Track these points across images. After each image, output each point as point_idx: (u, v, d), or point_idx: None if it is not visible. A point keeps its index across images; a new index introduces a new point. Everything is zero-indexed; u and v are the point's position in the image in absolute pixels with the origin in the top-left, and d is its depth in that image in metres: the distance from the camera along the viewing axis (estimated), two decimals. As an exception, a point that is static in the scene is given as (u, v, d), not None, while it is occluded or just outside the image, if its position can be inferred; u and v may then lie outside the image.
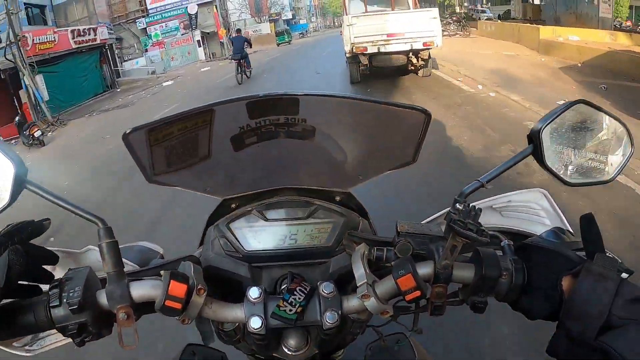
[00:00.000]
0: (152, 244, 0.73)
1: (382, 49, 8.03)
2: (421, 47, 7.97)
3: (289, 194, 0.61)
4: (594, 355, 0.43)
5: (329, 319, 0.51)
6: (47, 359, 0.67)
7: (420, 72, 8.77)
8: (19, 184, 0.49)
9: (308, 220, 0.60)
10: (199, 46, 28.02)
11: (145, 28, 27.48)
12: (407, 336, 0.73)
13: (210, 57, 28.17)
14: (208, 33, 28.03)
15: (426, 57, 8.36)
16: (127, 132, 0.46)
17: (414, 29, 7.88)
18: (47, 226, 0.52)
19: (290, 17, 51.68)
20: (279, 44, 31.93)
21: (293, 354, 0.57)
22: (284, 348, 0.57)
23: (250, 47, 12.41)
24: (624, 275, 0.45)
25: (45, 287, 0.50)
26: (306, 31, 48.04)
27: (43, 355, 0.62)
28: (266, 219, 0.59)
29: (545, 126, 0.53)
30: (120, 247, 0.50)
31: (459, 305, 0.54)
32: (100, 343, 0.52)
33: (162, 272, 0.49)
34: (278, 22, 42.99)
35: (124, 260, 0.50)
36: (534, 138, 0.54)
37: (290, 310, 0.51)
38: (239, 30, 11.85)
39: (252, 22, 39.14)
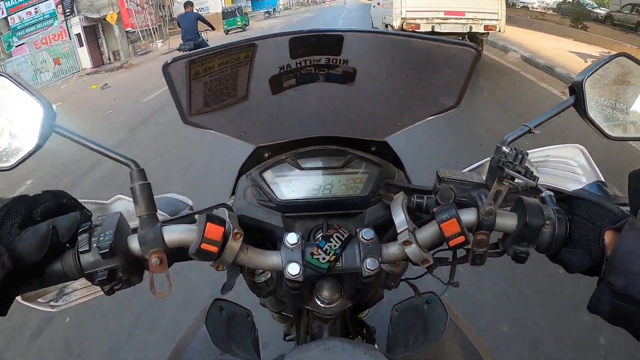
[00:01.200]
0: (182, 196, 0.73)
1: (437, 29, 6.86)
2: (482, 30, 6.86)
3: (324, 143, 0.60)
4: (638, 310, 0.42)
5: (369, 265, 0.50)
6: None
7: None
8: (48, 127, 0.48)
9: (343, 169, 0.59)
10: (80, 44, 16.16)
11: (7, 17, 15.82)
12: (436, 295, 0.72)
13: (108, 60, 17.49)
14: (103, 19, 15.75)
15: (481, 43, 7.06)
16: (168, 62, 0.44)
17: (477, 7, 6.73)
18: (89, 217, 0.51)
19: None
20: (227, 30, 22.93)
21: (326, 306, 0.57)
22: (316, 300, 0.57)
23: (212, 28, 8.98)
24: None
25: None
26: (274, 10, 37.81)
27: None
28: (300, 168, 0.59)
29: (587, 77, 0.52)
30: None
31: (499, 255, 0.53)
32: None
33: (196, 216, 0.48)
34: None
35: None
36: (576, 89, 0.52)
37: (324, 258, 0.50)
38: (188, 4, 8.08)
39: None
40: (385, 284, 0.59)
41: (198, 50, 0.44)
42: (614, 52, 0.56)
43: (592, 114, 0.53)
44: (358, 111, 0.58)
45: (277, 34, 0.45)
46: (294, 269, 0.49)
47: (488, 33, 7.15)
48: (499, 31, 7.04)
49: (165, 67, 0.44)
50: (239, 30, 23.09)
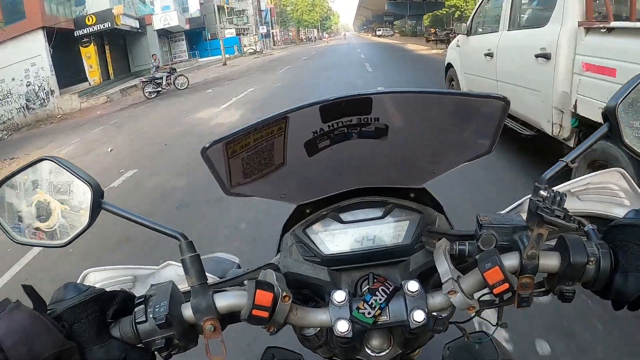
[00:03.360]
0: (229, 255, 0.75)
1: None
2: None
3: (363, 195, 0.61)
4: None
5: (416, 317, 0.50)
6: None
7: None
8: (97, 206, 0.51)
9: (384, 219, 0.60)
10: None
11: None
12: (488, 335, 0.70)
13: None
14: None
15: None
16: (206, 146, 0.46)
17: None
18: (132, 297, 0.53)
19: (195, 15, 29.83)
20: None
21: (376, 355, 0.56)
22: (366, 349, 0.57)
23: None
24: None
25: None
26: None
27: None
28: (342, 222, 0.60)
29: (620, 102, 0.51)
30: None
31: (545, 295, 0.52)
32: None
33: (246, 282, 0.50)
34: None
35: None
36: (609, 115, 0.51)
37: (369, 313, 0.51)
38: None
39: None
40: (434, 329, 0.58)
41: (233, 132, 0.46)
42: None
43: (628, 140, 0.51)
44: (394, 161, 0.59)
45: (307, 105, 0.47)
46: (342, 327, 0.50)
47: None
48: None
49: (204, 151, 0.46)
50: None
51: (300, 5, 61.17)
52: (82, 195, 0.52)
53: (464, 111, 0.50)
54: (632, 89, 0.51)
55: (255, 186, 0.54)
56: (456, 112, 0.50)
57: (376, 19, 79.29)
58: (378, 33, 64.53)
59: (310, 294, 0.61)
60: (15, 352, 0.41)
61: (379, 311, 0.51)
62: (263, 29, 41.45)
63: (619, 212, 0.59)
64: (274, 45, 53.77)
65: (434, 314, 0.54)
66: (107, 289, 0.52)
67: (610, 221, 0.52)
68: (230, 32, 35.88)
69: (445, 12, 44.21)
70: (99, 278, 0.63)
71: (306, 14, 59.41)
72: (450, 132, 0.53)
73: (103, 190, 0.53)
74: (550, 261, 0.48)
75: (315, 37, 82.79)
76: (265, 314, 0.48)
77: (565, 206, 0.46)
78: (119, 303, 0.50)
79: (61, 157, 0.53)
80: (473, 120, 0.51)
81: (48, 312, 0.47)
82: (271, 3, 53.28)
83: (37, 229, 0.55)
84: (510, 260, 0.48)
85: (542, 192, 0.46)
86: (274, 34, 55.96)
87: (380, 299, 0.51)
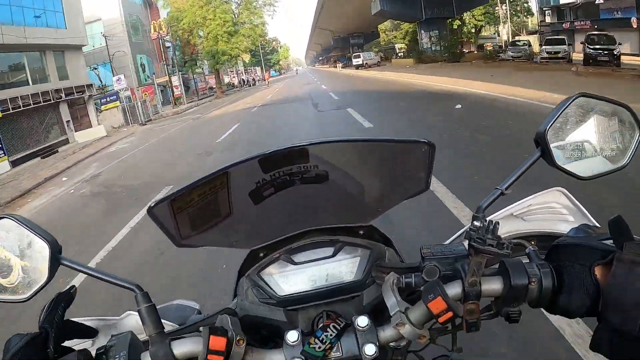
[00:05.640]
0: (189, 301, 0.77)
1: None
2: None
3: (314, 235, 0.63)
4: (638, 347, 0.42)
5: (368, 351, 0.52)
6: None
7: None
8: (55, 261, 0.53)
9: (335, 257, 0.61)
10: None
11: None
12: (451, 357, 0.73)
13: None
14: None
15: None
16: (152, 205, 0.48)
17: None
18: (74, 294, 0.56)
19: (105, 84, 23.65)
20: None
21: None
22: None
23: None
24: None
25: None
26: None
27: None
28: (295, 263, 0.61)
29: (549, 127, 0.54)
30: (157, 307, 0.53)
31: (493, 318, 0.54)
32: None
33: (201, 328, 0.51)
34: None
35: (162, 321, 0.53)
36: (540, 141, 0.54)
37: (320, 347, 0.52)
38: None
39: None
40: (393, 359, 0.59)
41: (175, 191, 0.49)
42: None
43: (560, 162, 0.54)
44: (339, 202, 0.62)
45: (245, 160, 0.50)
46: None
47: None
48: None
49: (150, 210, 0.48)
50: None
51: (211, 28, 33.10)
52: (40, 251, 0.53)
53: (395, 156, 0.54)
54: (559, 115, 0.55)
55: (205, 236, 0.57)
56: (387, 157, 0.54)
57: (340, 44, 59.97)
58: (356, 62, 41.38)
59: (269, 334, 0.62)
60: None
61: (329, 345, 0.52)
62: (121, 84, 21.84)
63: (564, 228, 0.62)
64: (175, 104, 30.62)
65: (392, 344, 0.55)
66: (68, 345, 0.53)
67: (556, 238, 0.54)
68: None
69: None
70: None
71: (224, 41, 33.32)
72: (385, 174, 0.56)
73: (60, 245, 0.54)
74: (493, 285, 0.51)
75: (251, 81, 55.97)
76: (220, 359, 0.49)
77: (509, 228, 0.49)
78: (63, 336, 0.51)
79: (18, 215, 0.55)
80: (406, 162, 0.54)
81: None
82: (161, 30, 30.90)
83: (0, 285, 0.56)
84: (454, 289, 0.50)
85: (475, 223, 0.49)
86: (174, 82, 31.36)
87: (331, 335, 0.53)
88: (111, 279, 0.54)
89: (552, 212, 0.63)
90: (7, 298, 0.56)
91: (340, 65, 52.58)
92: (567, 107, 0.55)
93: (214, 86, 39.09)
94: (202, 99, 35.80)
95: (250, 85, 51.59)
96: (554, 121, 0.54)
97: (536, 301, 0.50)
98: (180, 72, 34.29)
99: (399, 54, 47.15)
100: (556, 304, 0.50)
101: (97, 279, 0.53)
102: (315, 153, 0.51)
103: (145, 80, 30.33)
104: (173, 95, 31.88)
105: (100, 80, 26.45)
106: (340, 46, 58.44)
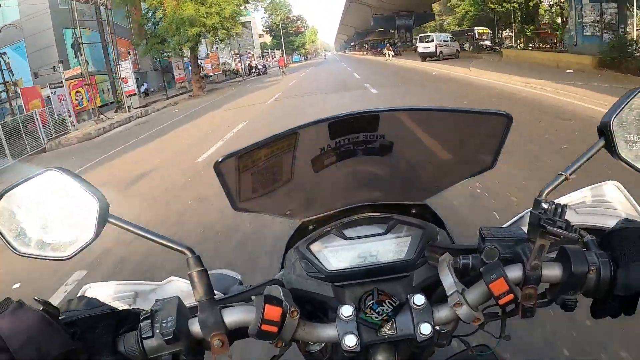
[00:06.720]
0: (231, 271, 0.75)
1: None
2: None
3: (366, 211, 0.61)
4: None
5: (423, 330, 0.51)
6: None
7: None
8: (103, 219, 0.51)
9: (387, 235, 0.60)
10: None
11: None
12: (489, 348, 0.71)
13: None
14: None
15: None
16: (219, 160, 0.46)
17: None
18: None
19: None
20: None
21: None
22: None
23: None
24: None
25: None
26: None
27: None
28: (345, 238, 0.60)
29: (614, 117, 0.53)
30: None
31: (548, 305, 0.53)
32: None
33: (253, 297, 0.50)
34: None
35: None
36: (605, 130, 0.54)
37: (377, 317, 0.52)
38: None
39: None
40: (438, 343, 0.58)
41: (245, 146, 0.47)
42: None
43: (623, 153, 0.54)
44: (397, 178, 0.60)
45: (317, 121, 0.48)
46: (351, 341, 0.50)
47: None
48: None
49: (217, 165, 0.46)
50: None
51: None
52: (88, 207, 0.51)
53: (469, 127, 0.51)
54: (625, 105, 0.54)
55: (262, 202, 0.55)
56: (461, 128, 0.52)
57: (382, 24, 46.97)
58: (424, 49, 25.10)
59: (313, 309, 0.61)
60: (22, 351, 0.41)
61: (386, 317, 0.52)
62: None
63: (614, 224, 0.61)
64: (118, 109, 17.59)
65: (438, 328, 0.55)
66: (110, 304, 0.52)
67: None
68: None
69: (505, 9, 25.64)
70: (99, 292, 0.62)
71: (201, 14, 19.34)
72: (454, 148, 0.54)
73: (108, 203, 0.52)
74: (553, 272, 0.50)
75: (261, 68, 38.30)
76: (274, 329, 0.48)
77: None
78: (130, 323, 0.50)
79: (68, 169, 0.53)
80: (477, 136, 0.52)
81: (60, 317, 0.47)
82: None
83: (41, 241, 0.54)
84: (514, 272, 0.50)
85: (543, 205, 0.48)
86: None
87: (387, 309, 0.52)
88: (162, 240, 0.51)
89: (605, 206, 0.62)
90: (48, 255, 0.54)
91: (391, 53, 32.26)
92: (632, 98, 0.54)
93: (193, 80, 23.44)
94: (172, 97, 22.57)
95: (259, 74, 36.26)
96: (620, 111, 0.53)
97: (593, 291, 0.50)
98: (154, 56, 23.68)
99: (488, 43, 29.80)
100: (612, 290, 0.49)
101: (146, 239, 0.51)
102: (386, 121, 0.50)
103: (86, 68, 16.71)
104: (116, 95, 19.06)
105: (11, 72, 17.09)
106: (383, 27, 48.77)
